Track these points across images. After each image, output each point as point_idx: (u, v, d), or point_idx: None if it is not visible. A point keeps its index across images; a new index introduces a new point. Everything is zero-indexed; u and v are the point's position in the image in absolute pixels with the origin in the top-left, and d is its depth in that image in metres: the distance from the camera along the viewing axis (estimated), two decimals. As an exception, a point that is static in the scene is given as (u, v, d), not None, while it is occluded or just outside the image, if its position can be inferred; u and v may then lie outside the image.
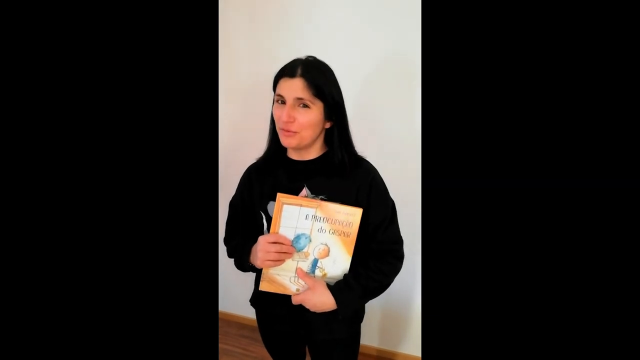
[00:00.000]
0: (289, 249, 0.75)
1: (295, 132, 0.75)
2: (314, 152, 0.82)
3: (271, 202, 0.81)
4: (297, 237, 0.75)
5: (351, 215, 0.73)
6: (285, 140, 0.76)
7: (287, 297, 0.80)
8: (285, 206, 0.73)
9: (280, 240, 0.75)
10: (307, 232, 0.74)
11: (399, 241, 0.84)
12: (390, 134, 1.44)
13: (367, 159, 0.85)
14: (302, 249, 0.76)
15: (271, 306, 0.88)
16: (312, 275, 0.78)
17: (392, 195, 0.85)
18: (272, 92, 0.80)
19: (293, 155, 0.83)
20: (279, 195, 0.73)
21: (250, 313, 1.97)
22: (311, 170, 0.81)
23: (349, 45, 1.41)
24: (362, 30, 1.39)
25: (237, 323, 1.93)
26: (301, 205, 0.73)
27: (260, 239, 0.76)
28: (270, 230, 0.76)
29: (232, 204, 0.93)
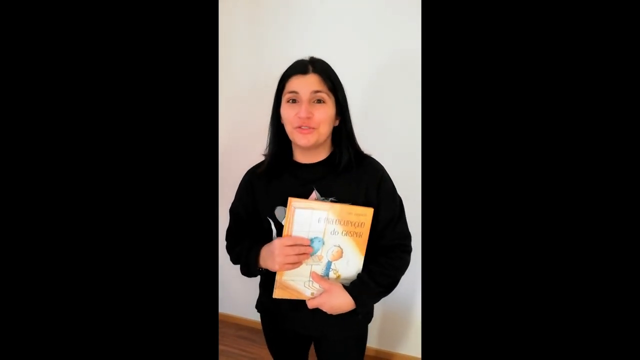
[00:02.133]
0: (308, 249, 0.72)
1: (313, 129, 0.72)
2: (322, 154, 0.80)
3: (279, 207, 0.78)
4: (311, 241, 0.73)
5: (362, 216, 0.72)
6: (303, 139, 0.73)
7: (295, 299, 0.78)
8: (297, 210, 0.71)
9: (298, 242, 0.72)
10: (320, 235, 0.72)
11: (408, 236, 0.83)
12: (396, 133, 1.42)
13: (374, 157, 0.83)
14: (316, 253, 0.74)
15: (278, 309, 0.85)
16: (326, 277, 0.76)
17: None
18: (273, 94, 0.78)
19: (300, 158, 0.80)
20: (290, 199, 0.71)
21: (248, 314, 1.95)
22: (319, 172, 0.78)
23: (353, 45, 1.39)
24: (367, 29, 1.37)
25: (235, 324, 1.90)
26: (313, 209, 0.71)
27: (276, 242, 0.73)
28: (284, 235, 0.73)
29: (233, 211, 0.87)
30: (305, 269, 0.75)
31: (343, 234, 0.72)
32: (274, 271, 0.75)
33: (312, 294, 0.76)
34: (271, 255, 0.74)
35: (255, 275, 0.83)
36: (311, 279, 0.75)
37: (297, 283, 0.76)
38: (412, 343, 1.63)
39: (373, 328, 1.67)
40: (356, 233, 0.72)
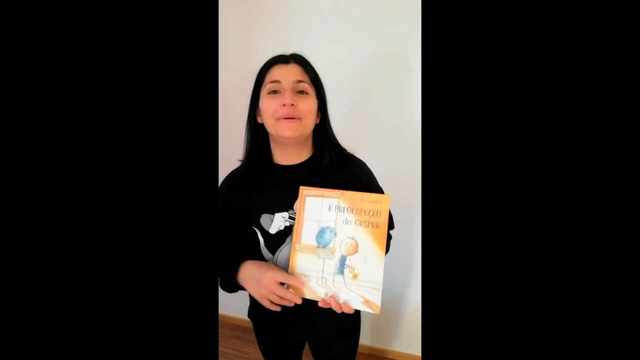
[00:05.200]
0: (295, 298, 0.65)
1: (298, 119, 0.67)
2: (304, 154, 0.75)
3: (264, 215, 0.72)
4: (322, 231, 0.67)
5: (378, 203, 0.64)
6: (287, 130, 0.66)
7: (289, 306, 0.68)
8: (307, 198, 0.67)
9: (291, 281, 0.65)
10: (332, 224, 0.67)
11: (392, 219, 0.82)
12: (387, 130, 1.40)
13: (362, 156, 0.80)
14: (328, 244, 0.67)
15: (271, 317, 0.77)
16: (340, 275, 0.67)
17: (389, 191, 0.83)
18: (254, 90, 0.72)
19: (281, 159, 0.74)
20: (301, 188, 0.68)
21: (242, 314, 1.90)
22: (303, 174, 0.73)
23: (342, 42, 1.37)
24: (354, 26, 1.35)
25: (230, 324, 1.84)
26: (323, 196, 0.67)
27: (269, 274, 0.65)
28: (295, 225, 0.68)
29: None
30: (318, 263, 0.68)
31: (357, 224, 0.66)
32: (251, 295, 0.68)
33: (326, 294, 0.67)
34: (256, 282, 0.66)
35: (236, 291, 0.73)
36: (325, 277, 0.67)
37: (309, 278, 0.68)
38: (405, 340, 1.62)
39: (366, 325, 1.66)
40: (372, 223, 0.65)
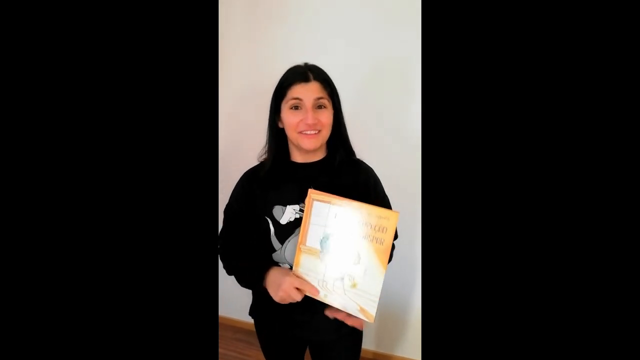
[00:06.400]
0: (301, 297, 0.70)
1: (318, 132, 0.74)
2: (318, 154, 0.80)
3: (276, 207, 0.77)
4: (326, 237, 0.67)
5: (385, 219, 0.62)
6: (309, 143, 0.74)
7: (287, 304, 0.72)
8: (315, 202, 0.67)
9: (306, 288, 0.69)
10: (337, 232, 0.66)
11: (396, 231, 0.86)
12: (389, 135, 1.38)
13: (365, 160, 0.85)
14: (331, 251, 0.67)
15: (272, 313, 0.81)
16: (340, 282, 0.67)
17: (391, 196, 0.85)
18: (270, 97, 0.77)
19: (298, 158, 0.80)
20: (310, 191, 0.68)
21: (245, 317, 1.88)
22: (316, 172, 0.79)
23: (347, 47, 1.35)
24: (360, 31, 1.33)
25: (233, 327, 1.82)
26: (331, 203, 0.66)
27: (287, 280, 0.70)
28: (302, 227, 0.69)
29: (228, 213, 0.84)
30: (320, 266, 0.68)
31: (361, 236, 0.64)
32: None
33: (325, 295, 0.69)
34: (277, 286, 0.71)
35: (257, 290, 0.78)
36: (325, 280, 0.68)
37: (311, 278, 0.69)
38: (410, 345, 1.59)
39: (371, 330, 1.64)
40: (377, 239, 0.63)
